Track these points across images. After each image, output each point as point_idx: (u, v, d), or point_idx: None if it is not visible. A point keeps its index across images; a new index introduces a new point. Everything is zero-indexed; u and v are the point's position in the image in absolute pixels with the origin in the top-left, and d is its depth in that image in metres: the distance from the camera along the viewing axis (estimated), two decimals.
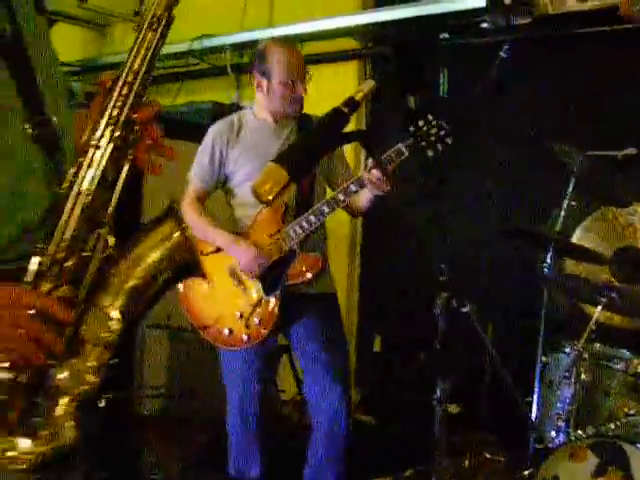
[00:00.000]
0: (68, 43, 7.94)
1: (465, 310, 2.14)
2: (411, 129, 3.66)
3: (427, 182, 5.70)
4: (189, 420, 5.25)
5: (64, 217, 1.68)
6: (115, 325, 1.71)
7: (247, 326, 3.78)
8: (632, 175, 4.75)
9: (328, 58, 6.30)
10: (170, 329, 5.86)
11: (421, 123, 3.66)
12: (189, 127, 5.94)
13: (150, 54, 1.78)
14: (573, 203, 4.46)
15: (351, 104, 1.82)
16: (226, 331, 3.82)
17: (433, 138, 3.64)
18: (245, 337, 3.79)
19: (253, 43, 6.36)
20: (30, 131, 1.73)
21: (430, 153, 3.65)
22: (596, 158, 4.56)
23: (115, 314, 1.72)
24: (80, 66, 7.93)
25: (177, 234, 1.79)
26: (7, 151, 1.70)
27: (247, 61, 6.65)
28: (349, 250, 6.40)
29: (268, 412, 4.18)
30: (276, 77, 3.91)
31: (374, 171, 3.55)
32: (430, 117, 3.68)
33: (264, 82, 3.95)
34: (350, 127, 1.92)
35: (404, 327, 5.91)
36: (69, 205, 1.69)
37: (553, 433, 4.10)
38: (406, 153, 3.66)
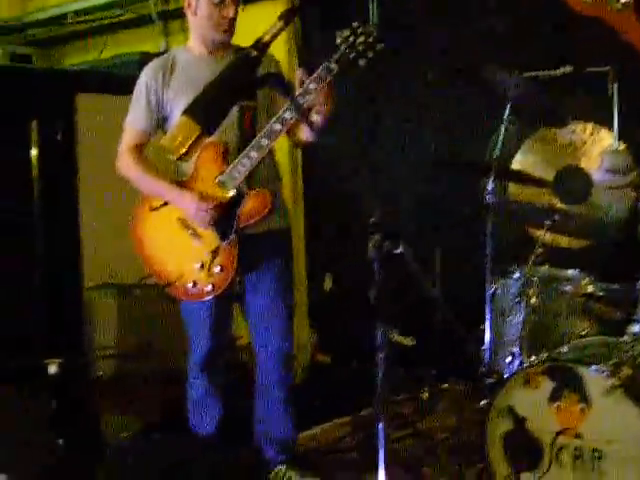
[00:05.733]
0: None
1: (398, 251, 2.08)
2: (337, 41, 3.49)
3: (360, 117, 5.63)
4: (145, 378, 5.20)
5: None
6: None
7: (210, 275, 3.68)
8: (568, 94, 4.70)
9: None
10: (116, 287, 5.78)
11: (347, 33, 3.46)
12: (118, 80, 5.82)
13: None
14: (511, 127, 4.40)
15: (260, 46, 1.74)
16: (190, 285, 3.71)
17: (362, 47, 3.44)
18: (209, 287, 3.69)
19: None
20: None
21: (361, 63, 3.46)
22: (531, 79, 4.50)
23: None
24: (2, 27, 7.69)
25: None
26: None
27: (173, 8, 6.51)
28: (292, 192, 6.33)
29: (225, 360, 4.14)
30: None
31: (306, 93, 3.42)
32: (355, 24, 3.47)
33: (192, 0, 3.80)
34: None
35: (353, 265, 5.87)
36: None
37: (508, 359, 4.10)
38: (335, 69, 3.49)
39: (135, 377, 5.46)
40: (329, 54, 3.46)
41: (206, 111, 1.71)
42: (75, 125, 5.77)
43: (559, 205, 4.51)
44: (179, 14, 6.30)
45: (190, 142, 1.64)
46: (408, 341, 5.31)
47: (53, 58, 7.72)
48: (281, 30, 1.76)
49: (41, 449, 3.68)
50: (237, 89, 1.80)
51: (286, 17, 2.02)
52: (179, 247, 3.75)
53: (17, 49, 7.45)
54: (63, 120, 5.67)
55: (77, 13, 7.23)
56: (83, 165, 5.75)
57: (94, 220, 5.77)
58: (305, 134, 3.84)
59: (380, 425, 2.14)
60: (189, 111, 1.69)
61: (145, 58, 5.96)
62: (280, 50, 5.58)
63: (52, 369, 4.34)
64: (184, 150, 1.65)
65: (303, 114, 3.36)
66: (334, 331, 6.12)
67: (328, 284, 6.29)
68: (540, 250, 4.15)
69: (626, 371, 3.32)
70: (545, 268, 4.23)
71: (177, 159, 1.72)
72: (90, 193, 5.77)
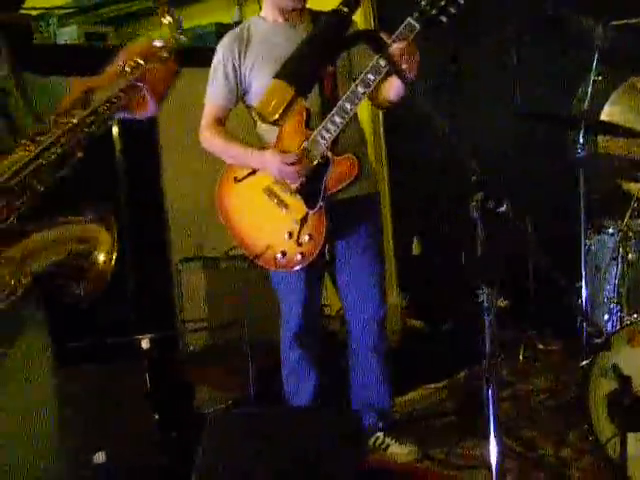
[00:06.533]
0: None
1: (502, 209, 2.01)
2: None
3: (445, 71, 5.51)
4: (236, 350, 5.20)
5: (7, 165, 1.61)
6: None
7: (299, 244, 3.66)
8: None
9: None
10: (203, 259, 5.80)
11: None
12: (195, 53, 5.79)
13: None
14: (599, 77, 4.27)
15: (351, 3, 1.67)
16: (279, 255, 3.70)
17: (443, 2, 3.33)
18: (299, 256, 3.67)
19: None
20: None
21: (443, 19, 3.38)
22: (619, 27, 4.35)
23: None
24: (76, 7, 7.71)
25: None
26: None
27: None
28: (375, 154, 6.24)
29: (318, 329, 4.15)
30: None
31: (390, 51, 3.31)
32: None
33: None
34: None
35: (440, 228, 5.79)
36: (17, 159, 1.62)
37: (606, 317, 4.00)
38: (418, 26, 3.39)
39: (226, 349, 5.49)
40: (411, 11, 3.37)
41: (299, 72, 1.66)
42: None
43: None
44: None
45: (284, 106, 1.59)
46: (501, 302, 5.23)
47: (128, 35, 7.73)
48: None
49: (138, 424, 3.70)
50: (330, 48, 1.74)
51: None
52: (266, 217, 3.73)
53: (92, 28, 7.45)
54: None
55: None
56: (164, 138, 5.76)
57: (178, 194, 5.78)
58: (388, 95, 3.77)
59: (490, 391, 2.07)
60: (281, 73, 1.63)
61: (221, 29, 5.93)
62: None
63: (144, 344, 4.35)
64: (277, 115, 1.60)
65: (394, 65, 3.21)
66: (424, 295, 6.06)
67: (416, 248, 6.22)
68: (636, 204, 4.03)
69: None
70: None
71: (272, 124, 1.68)
72: (173, 166, 5.78)
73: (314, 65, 1.73)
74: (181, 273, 5.81)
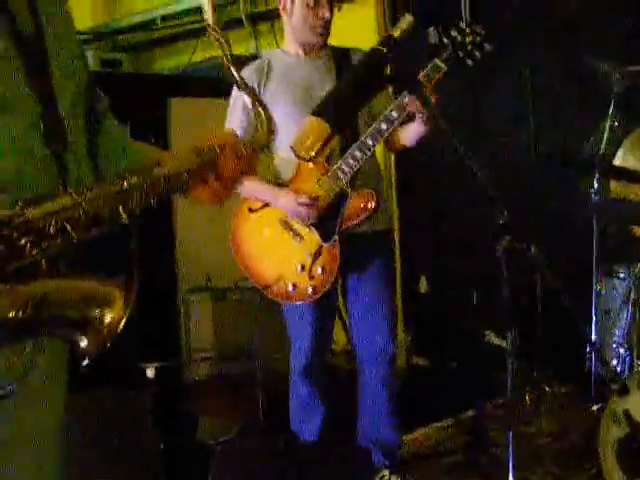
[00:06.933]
0: (77, 11, 7.78)
1: (531, 252, 2.02)
2: (445, 41, 3.44)
3: (461, 110, 5.53)
4: (242, 381, 5.20)
5: (47, 206, 1.60)
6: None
7: (311, 277, 3.66)
8: None
9: None
10: (211, 290, 5.80)
11: (454, 33, 3.45)
12: (210, 84, 5.83)
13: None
14: (614, 123, 4.28)
15: (389, 42, 1.68)
16: (290, 287, 3.69)
17: (469, 47, 3.43)
18: (310, 289, 3.67)
19: None
20: (41, 124, 1.71)
21: (469, 62, 3.42)
22: (636, 74, 4.38)
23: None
24: (92, 34, 7.75)
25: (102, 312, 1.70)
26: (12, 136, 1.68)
27: (262, 10, 6.50)
28: (385, 190, 6.23)
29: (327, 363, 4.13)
30: None
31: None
32: (462, 25, 3.46)
33: (288, 2, 3.77)
34: None
35: (449, 266, 5.78)
36: (58, 203, 1.61)
37: (614, 362, 3.99)
38: (444, 67, 3.46)
39: (232, 380, 5.47)
40: (439, 53, 3.42)
41: (338, 111, 1.66)
42: (168, 129, 5.79)
43: None
44: (268, 16, 6.33)
45: (321, 143, 1.60)
46: (500, 341, 5.23)
47: (143, 63, 7.77)
48: (411, 25, 1.71)
49: (141, 453, 3.68)
50: (369, 89, 1.74)
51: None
52: (279, 249, 3.73)
53: (107, 55, 7.50)
54: (156, 125, 5.68)
55: (164, 18, 7.29)
56: None
57: (189, 224, 5.79)
58: (404, 139, 3.81)
59: (510, 433, 2.06)
60: (320, 111, 1.63)
61: (236, 60, 5.96)
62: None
63: (150, 373, 4.34)
64: (314, 152, 1.61)
65: (419, 96, 3.18)
66: (431, 333, 6.04)
67: (423, 286, 6.20)
68: None
69: None
70: None
71: (307, 161, 1.69)
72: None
73: (353, 105, 1.74)
74: (189, 303, 5.81)
